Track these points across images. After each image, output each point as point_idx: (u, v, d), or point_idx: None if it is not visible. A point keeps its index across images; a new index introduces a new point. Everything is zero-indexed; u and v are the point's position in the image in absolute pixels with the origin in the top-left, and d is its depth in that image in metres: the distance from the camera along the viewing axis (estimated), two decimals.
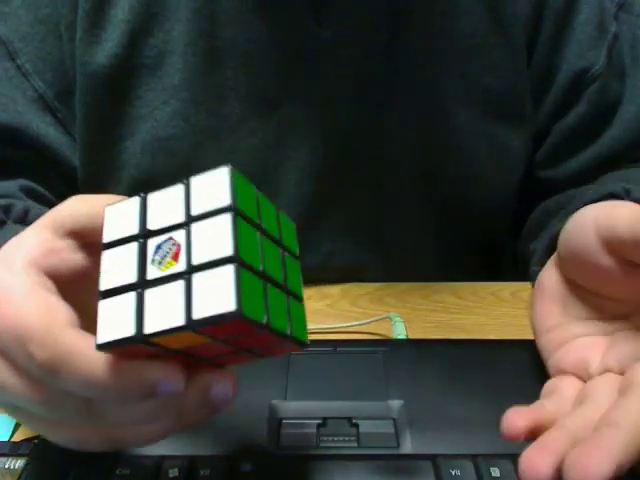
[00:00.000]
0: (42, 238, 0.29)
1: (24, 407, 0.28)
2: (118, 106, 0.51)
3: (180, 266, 0.23)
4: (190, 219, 0.24)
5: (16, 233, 0.33)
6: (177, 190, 0.25)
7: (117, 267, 0.25)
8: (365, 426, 0.36)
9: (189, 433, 0.35)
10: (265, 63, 0.50)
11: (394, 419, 0.36)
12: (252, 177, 0.53)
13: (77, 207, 0.30)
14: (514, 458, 0.34)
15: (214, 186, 0.24)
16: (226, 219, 0.23)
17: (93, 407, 0.26)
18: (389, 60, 0.51)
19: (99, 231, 0.27)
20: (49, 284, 0.28)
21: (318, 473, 0.34)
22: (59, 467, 0.34)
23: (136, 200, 0.26)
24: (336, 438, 0.35)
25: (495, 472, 0.33)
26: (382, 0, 0.50)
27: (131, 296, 0.24)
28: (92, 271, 0.29)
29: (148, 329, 0.23)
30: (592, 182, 0.53)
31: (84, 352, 0.25)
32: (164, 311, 0.23)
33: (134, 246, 0.25)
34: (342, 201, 0.55)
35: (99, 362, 0.25)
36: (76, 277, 0.30)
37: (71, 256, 0.29)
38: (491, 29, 0.52)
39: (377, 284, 0.55)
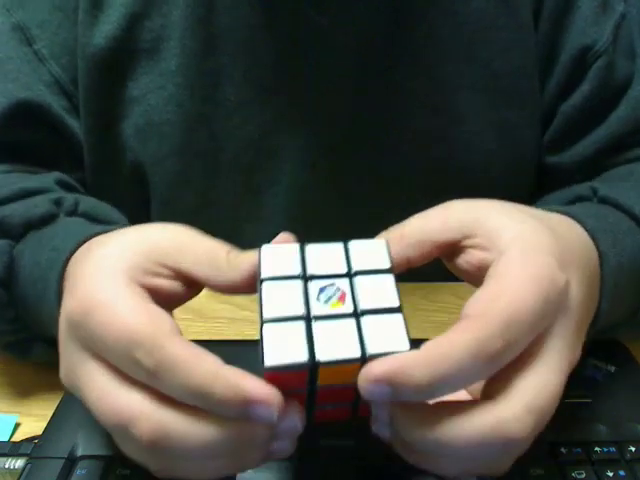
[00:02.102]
0: (142, 258, 0.30)
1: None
2: (115, 89, 0.51)
3: (347, 307, 0.27)
4: (352, 272, 0.28)
5: (67, 226, 0.38)
6: (336, 247, 0.29)
7: (280, 299, 0.27)
8: (365, 426, 0.36)
9: None
10: (262, 50, 0.49)
11: None
12: (246, 165, 0.52)
13: (180, 241, 0.31)
14: None
15: (372, 250, 0.29)
16: (389, 278, 0.28)
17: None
18: (390, 47, 0.49)
19: (195, 270, 0.30)
20: (149, 297, 0.29)
21: (318, 473, 0.34)
22: (59, 467, 0.34)
23: (295, 247, 0.29)
24: (336, 438, 0.35)
25: None
26: None
27: (299, 325, 0.26)
28: (182, 300, 0.31)
29: (322, 357, 0.25)
30: (597, 172, 0.52)
31: (190, 359, 0.26)
32: (337, 343, 0.25)
33: (297, 284, 0.28)
34: (338, 191, 0.53)
35: (203, 370, 0.25)
36: (170, 302, 0.31)
37: (168, 282, 0.30)
38: (498, 11, 0.50)
39: None
